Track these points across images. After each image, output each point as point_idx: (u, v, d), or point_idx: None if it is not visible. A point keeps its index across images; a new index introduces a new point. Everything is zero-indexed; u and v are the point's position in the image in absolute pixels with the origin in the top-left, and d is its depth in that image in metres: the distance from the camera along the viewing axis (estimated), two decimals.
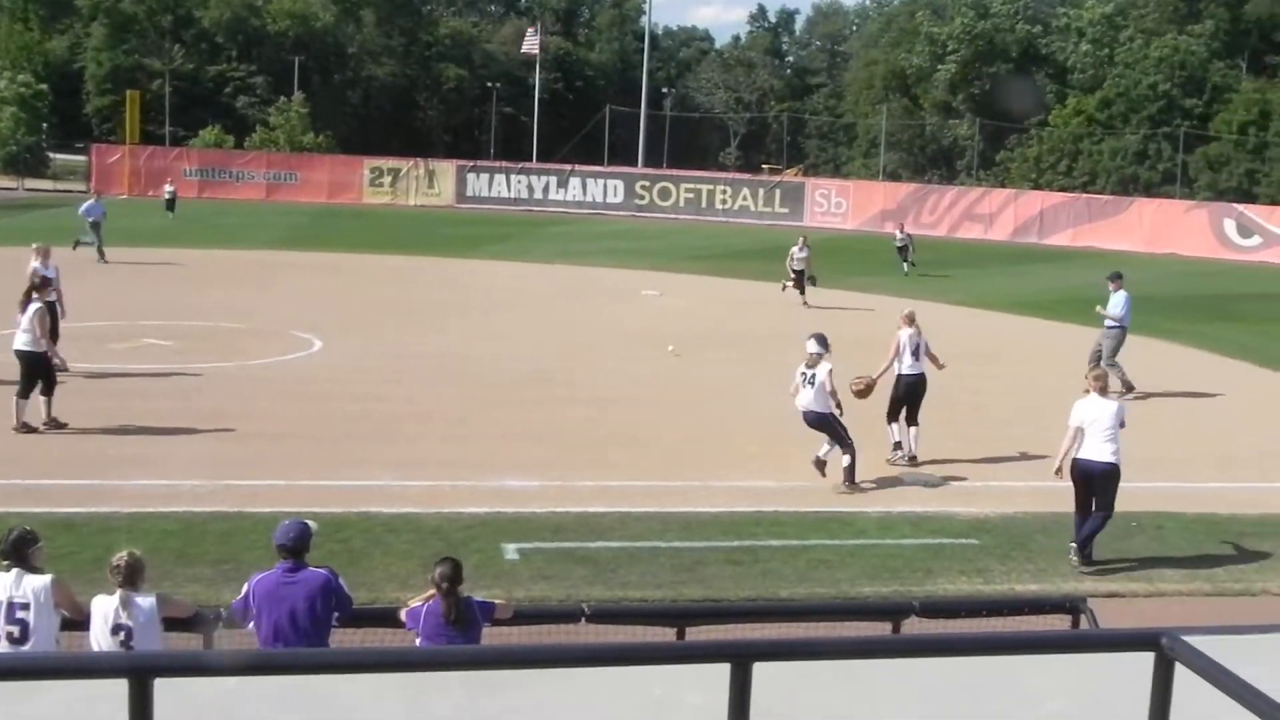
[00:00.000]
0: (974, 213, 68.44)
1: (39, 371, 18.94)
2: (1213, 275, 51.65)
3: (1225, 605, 13.90)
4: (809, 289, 37.03)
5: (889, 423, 19.16)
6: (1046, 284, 44.88)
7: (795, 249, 37.75)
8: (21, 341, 18.95)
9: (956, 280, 44.41)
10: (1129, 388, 24.55)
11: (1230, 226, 61.32)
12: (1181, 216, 63.72)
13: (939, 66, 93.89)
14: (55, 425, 18.80)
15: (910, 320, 19.54)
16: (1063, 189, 77.97)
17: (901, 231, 49.40)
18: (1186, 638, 3.97)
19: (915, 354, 19.11)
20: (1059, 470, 15.29)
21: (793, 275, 37.57)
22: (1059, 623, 10.14)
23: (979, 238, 65.90)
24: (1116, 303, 25.22)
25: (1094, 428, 14.93)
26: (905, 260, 47.42)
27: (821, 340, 17.67)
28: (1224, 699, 3.71)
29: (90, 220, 40.98)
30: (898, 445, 19.10)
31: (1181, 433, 21.32)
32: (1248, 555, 15.56)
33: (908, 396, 19.08)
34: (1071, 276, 46.78)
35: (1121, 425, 14.93)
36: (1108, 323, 25.26)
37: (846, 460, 17.45)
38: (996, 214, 67.90)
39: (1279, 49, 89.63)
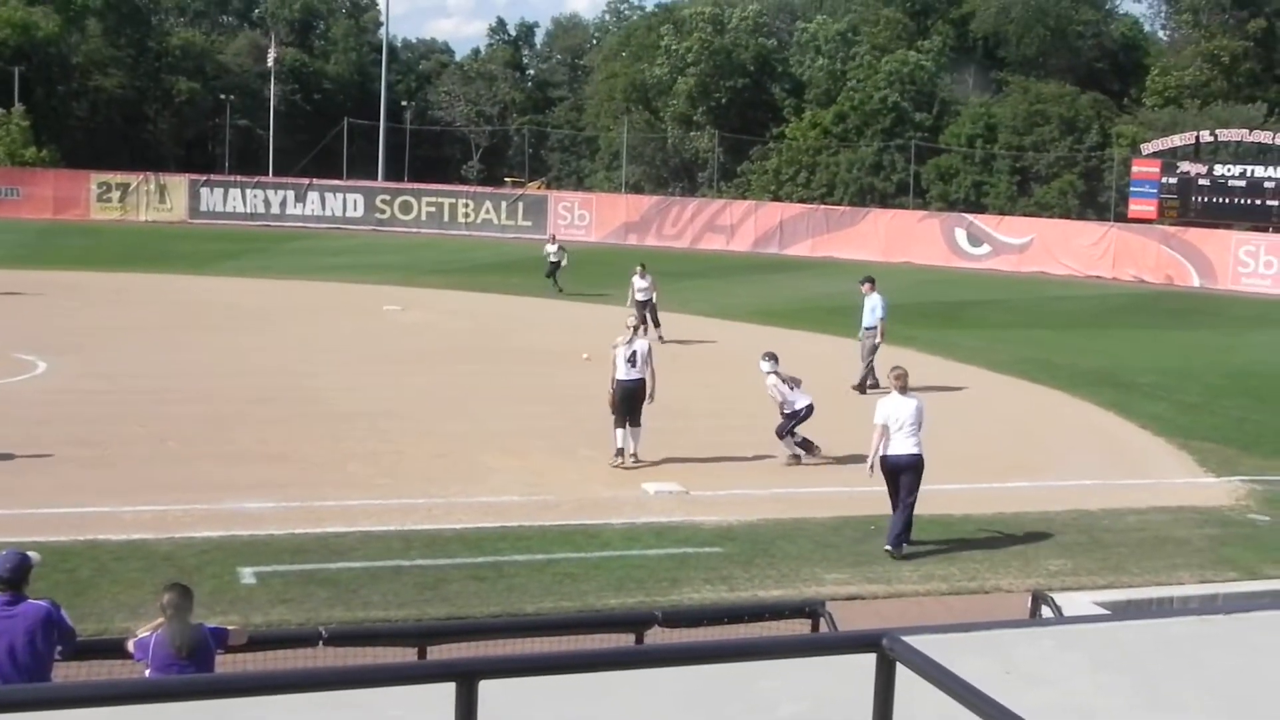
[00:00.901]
0: (716, 224, 69.21)
1: None
2: (945, 283, 53.21)
3: (960, 603, 14.30)
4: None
5: (615, 428, 19.39)
6: (787, 293, 45.67)
7: (636, 278, 33.28)
8: None
9: (692, 291, 44.75)
10: (864, 388, 25.54)
11: (961, 235, 63.23)
12: (915, 226, 65.48)
13: (679, 79, 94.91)
14: None
15: (632, 330, 20.01)
16: (802, 200, 79.25)
17: (554, 243, 44.22)
18: (911, 637, 3.98)
19: (631, 361, 19.41)
20: (872, 469, 15.83)
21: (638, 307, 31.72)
22: (800, 627, 10.24)
23: (721, 249, 66.72)
24: (873, 305, 26.86)
25: (897, 424, 15.50)
26: (554, 276, 42.26)
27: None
28: (944, 697, 3.73)
29: None
30: (620, 452, 19.39)
31: None
32: (981, 553, 16.05)
33: (624, 402, 19.40)
34: (810, 286, 47.80)
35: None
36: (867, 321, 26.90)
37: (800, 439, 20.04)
38: (738, 225, 68.78)
39: (1003, 64, 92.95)
